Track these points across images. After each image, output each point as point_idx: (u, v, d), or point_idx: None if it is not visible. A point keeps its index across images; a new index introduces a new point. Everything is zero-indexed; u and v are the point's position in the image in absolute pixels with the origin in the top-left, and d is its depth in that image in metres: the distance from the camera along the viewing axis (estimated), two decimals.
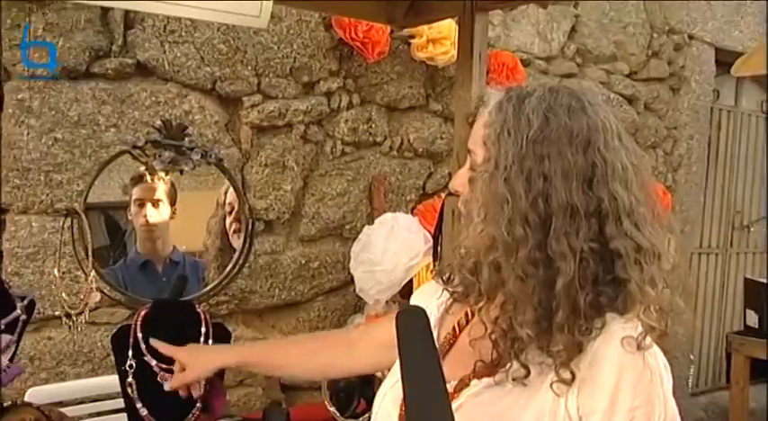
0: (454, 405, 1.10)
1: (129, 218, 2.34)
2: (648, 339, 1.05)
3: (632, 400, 1.02)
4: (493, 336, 1.13)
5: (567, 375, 1.04)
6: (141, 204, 2.30)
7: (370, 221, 2.90)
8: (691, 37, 4.31)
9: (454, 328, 1.26)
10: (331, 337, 1.78)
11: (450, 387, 1.16)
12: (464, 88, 2.10)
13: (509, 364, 1.09)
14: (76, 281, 2.33)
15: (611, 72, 3.95)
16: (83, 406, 2.33)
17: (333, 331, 1.90)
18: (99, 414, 2.32)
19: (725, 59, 4.42)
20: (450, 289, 1.27)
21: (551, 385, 1.06)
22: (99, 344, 2.50)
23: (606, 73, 3.92)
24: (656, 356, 1.07)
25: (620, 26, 3.95)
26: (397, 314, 1.12)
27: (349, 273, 2.85)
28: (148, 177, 2.23)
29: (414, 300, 1.45)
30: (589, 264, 1.04)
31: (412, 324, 1.08)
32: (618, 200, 1.05)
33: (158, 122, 1.77)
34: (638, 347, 1.03)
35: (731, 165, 5.00)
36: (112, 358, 2.51)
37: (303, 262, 2.89)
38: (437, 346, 1.12)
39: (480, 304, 1.18)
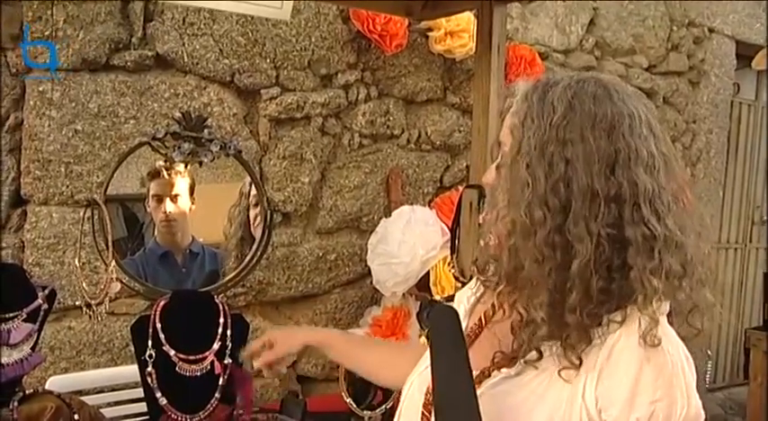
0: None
1: (148, 210, 2.36)
2: (660, 331, 1.04)
3: (653, 393, 1.02)
4: (511, 322, 1.15)
5: (574, 360, 1.05)
6: (159, 199, 2.32)
7: (388, 214, 2.90)
8: (711, 30, 4.27)
9: (481, 319, 1.27)
10: (408, 349, 1.76)
11: None
12: (482, 81, 2.10)
13: (530, 356, 1.10)
14: (96, 271, 2.35)
15: (629, 65, 3.92)
16: (102, 395, 2.35)
17: (410, 344, 1.90)
18: (118, 403, 2.34)
19: (745, 53, 4.39)
20: (482, 277, 1.27)
21: (559, 372, 1.06)
22: (118, 334, 2.52)
23: (625, 66, 3.90)
24: (678, 348, 1.07)
25: (638, 19, 3.92)
26: (430, 310, 1.13)
27: (366, 265, 2.85)
28: (165, 172, 2.25)
29: (458, 294, 1.45)
30: (605, 250, 1.04)
31: (444, 321, 1.09)
32: (639, 185, 1.05)
33: (178, 114, 1.78)
34: (659, 341, 1.02)
35: (751, 159, 4.95)
36: (132, 348, 2.55)
37: (320, 254, 2.90)
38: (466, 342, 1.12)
39: (500, 288, 1.19)
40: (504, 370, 1.13)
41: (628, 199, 1.04)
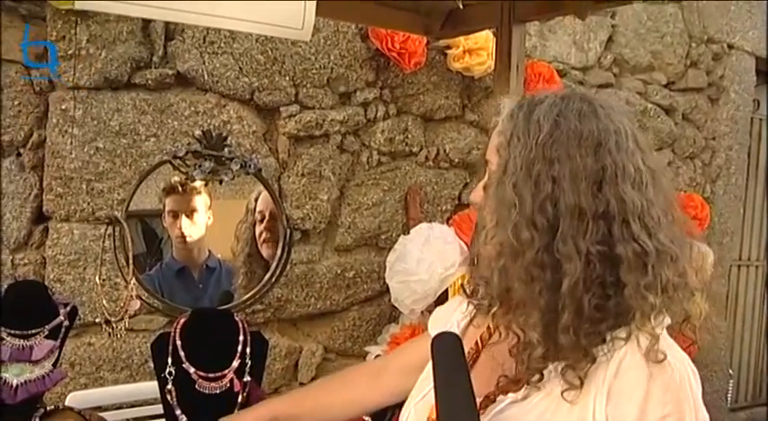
0: None
1: (165, 226, 2.37)
2: (664, 346, 1.04)
3: (663, 408, 1.01)
4: (508, 343, 1.14)
5: (573, 380, 1.05)
6: (175, 215, 2.32)
7: (406, 231, 2.90)
8: (730, 46, 4.26)
9: (477, 343, 1.26)
10: (354, 372, 1.71)
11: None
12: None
13: (533, 377, 1.09)
14: (116, 288, 2.37)
15: (648, 82, 3.91)
16: (121, 411, 2.36)
17: (352, 367, 1.87)
18: (137, 419, 2.35)
19: (765, 69, 4.36)
20: (474, 301, 1.27)
21: (562, 393, 1.05)
22: (137, 350, 2.53)
23: (643, 83, 3.89)
24: (684, 362, 1.07)
25: (657, 36, 3.92)
26: (433, 339, 1.13)
27: (384, 282, 2.85)
28: (180, 188, 2.26)
29: (436, 314, 1.45)
30: (595, 267, 1.03)
31: (446, 348, 1.09)
32: (626, 202, 1.05)
33: (198, 132, 1.79)
34: (663, 356, 1.02)
35: None
36: (150, 364, 2.56)
37: (339, 271, 2.90)
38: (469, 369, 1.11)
39: (493, 310, 1.19)
40: (510, 394, 1.12)
41: (616, 216, 1.04)
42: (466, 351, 1.26)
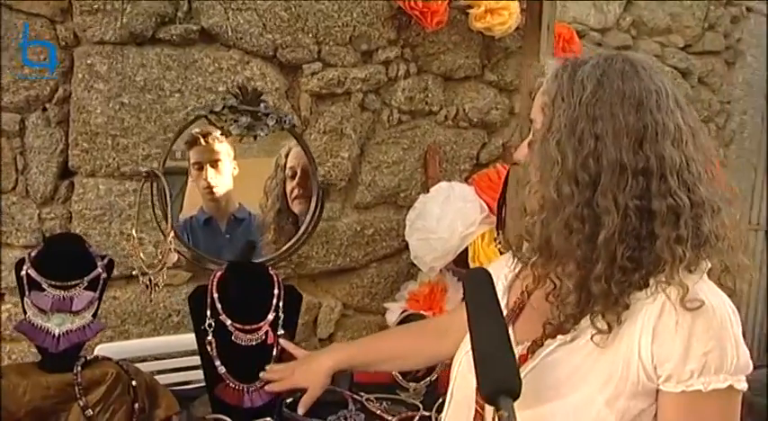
0: (529, 366, 1.18)
1: (191, 180, 2.38)
2: (701, 292, 1.09)
3: (705, 344, 1.07)
4: (544, 291, 1.21)
5: (602, 326, 1.11)
6: (200, 167, 2.34)
7: (425, 190, 2.92)
8: (749, 9, 4.22)
9: (523, 292, 1.32)
10: (426, 328, 1.85)
11: (523, 348, 1.22)
12: (532, 59, 2.10)
13: (582, 321, 1.15)
14: (141, 242, 2.39)
15: (665, 45, 3.89)
16: (145, 363, 2.40)
17: (420, 322, 1.99)
18: (160, 372, 2.39)
19: None
20: (518, 254, 1.31)
21: (592, 338, 1.12)
22: (161, 304, 2.56)
23: (661, 46, 3.86)
24: (725, 303, 1.12)
25: None
26: (465, 274, 1.18)
27: (403, 240, 2.88)
28: (202, 140, 2.27)
29: (492, 266, 1.49)
30: (631, 220, 1.09)
31: (477, 281, 1.15)
32: (665, 158, 1.09)
33: (235, 88, 1.80)
34: (699, 302, 1.07)
35: None
36: (174, 318, 2.62)
37: (358, 228, 2.92)
38: (502, 306, 1.16)
39: (533, 259, 1.23)
40: (559, 337, 1.18)
41: (655, 172, 1.09)
42: (512, 301, 1.32)
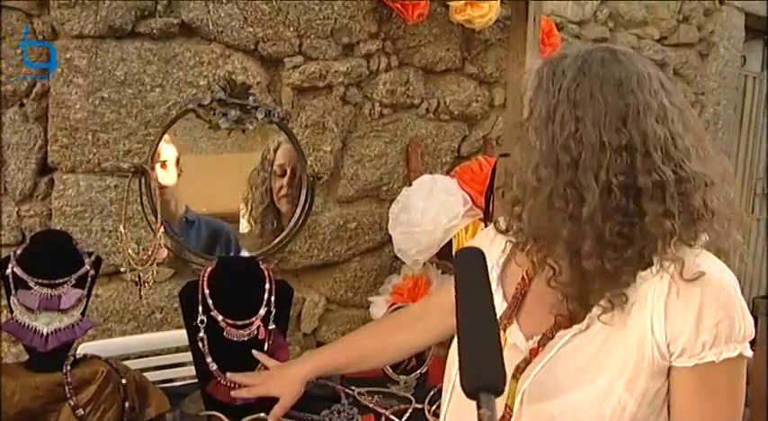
0: (546, 358, 1.18)
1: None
2: (702, 264, 1.12)
3: (715, 316, 1.09)
4: (545, 277, 1.21)
5: (605, 303, 1.13)
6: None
7: (407, 183, 2.92)
8: (721, 2, 4.28)
9: (523, 278, 1.32)
10: (396, 320, 1.83)
11: (533, 342, 1.21)
12: (518, 52, 2.10)
13: (594, 308, 1.16)
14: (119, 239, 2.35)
15: (641, 37, 3.93)
16: (129, 361, 2.37)
17: (392, 314, 1.97)
18: (143, 370, 2.36)
19: (754, 25, 4.40)
20: (508, 237, 1.32)
21: (598, 317, 1.14)
22: (144, 302, 2.53)
23: (637, 38, 3.91)
24: (726, 273, 1.15)
25: None
26: (457, 253, 1.17)
27: (385, 233, 2.87)
28: None
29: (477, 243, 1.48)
30: (615, 196, 1.10)
31: (469, 263, 1.11)
32: (649, 135, 1.10)
33: (222, 81, 1.78)
34: (700, 273, 1.10)
35: (755, 131, 4.99)
36: (157, 316, 2.59)
37: (341, 222, 2.91)
38: (494, 293, 1.16)
39: (528, 247, 1.25)
40: (575, 326, 1.18)
41: (638, 148, 1.10)
42: (512, 288, 1.32)
